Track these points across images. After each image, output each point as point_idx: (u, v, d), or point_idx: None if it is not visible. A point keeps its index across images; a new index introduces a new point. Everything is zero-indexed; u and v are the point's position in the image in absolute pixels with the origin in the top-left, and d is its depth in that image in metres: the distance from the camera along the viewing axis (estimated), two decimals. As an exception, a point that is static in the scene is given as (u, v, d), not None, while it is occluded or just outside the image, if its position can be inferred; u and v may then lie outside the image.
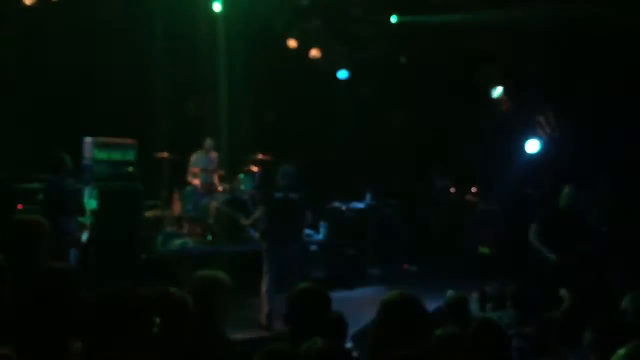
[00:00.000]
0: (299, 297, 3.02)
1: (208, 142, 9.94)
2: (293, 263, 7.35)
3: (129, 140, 8.26)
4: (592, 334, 3.32)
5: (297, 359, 2.65)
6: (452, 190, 11.96)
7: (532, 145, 10.84)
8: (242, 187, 9.95)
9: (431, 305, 3.70)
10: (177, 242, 8.83)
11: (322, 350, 2.56)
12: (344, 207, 10.61)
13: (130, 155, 8.18)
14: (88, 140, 8.08)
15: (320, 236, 10.39)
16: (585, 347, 3.34)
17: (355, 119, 11.78)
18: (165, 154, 9.35)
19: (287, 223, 7.35)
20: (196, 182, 9.79)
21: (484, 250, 11.24)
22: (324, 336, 2.78)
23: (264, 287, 7.18)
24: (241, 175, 10.02)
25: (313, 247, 10.03)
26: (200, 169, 9.84)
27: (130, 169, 8.11)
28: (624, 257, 8.33)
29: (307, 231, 10.42)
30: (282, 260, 7.26)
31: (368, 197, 10.91)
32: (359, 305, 8.43)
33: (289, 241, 7.36)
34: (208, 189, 9.77)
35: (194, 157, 9.92)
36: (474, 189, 11.87)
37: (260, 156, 9.99)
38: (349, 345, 4.45)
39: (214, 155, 10.05)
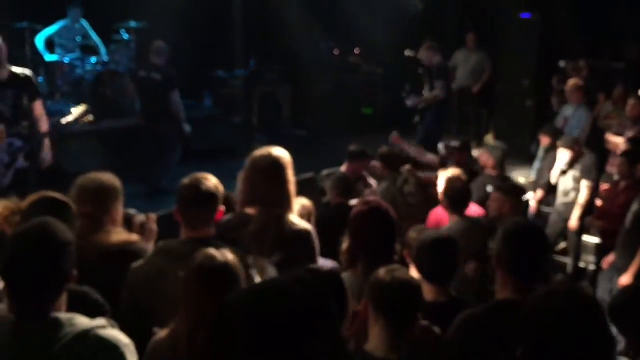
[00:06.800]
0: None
1: (74, 10, 9.05)
2: (164, 140, 7.51)
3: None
4: None
5: None
6: (336, 52, 11.90)
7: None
8: (118, 57, 9.30)
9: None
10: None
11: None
12: (227, 75, 10.32)
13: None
14: None
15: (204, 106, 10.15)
16: None
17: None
18: None
19: (151, 102, 7.43)
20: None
21: (368, 111, 11.47)
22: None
23: None
24: (113, 46, 9.33)
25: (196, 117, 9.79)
26: (65, 40, 9.04)
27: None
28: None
29: (191, 103, 10.14)
30: (158, 137, 7.49)
31: (251, 63, 10.65)
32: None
33: (158, 120, 7.43)
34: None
35: (58, 27, 9.06)
36: (357, 50, 11.86)
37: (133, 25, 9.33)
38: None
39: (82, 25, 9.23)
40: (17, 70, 5.42)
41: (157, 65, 7.42)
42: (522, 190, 5.44)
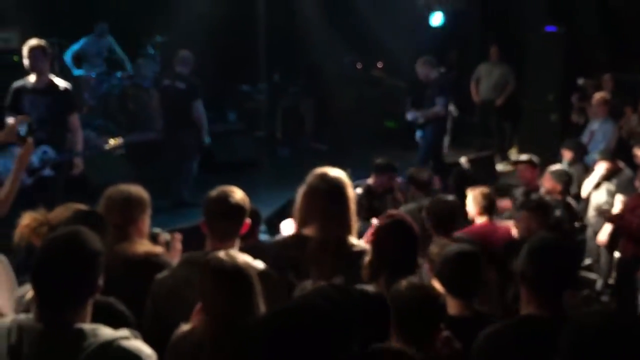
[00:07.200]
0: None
1: (100, 25, 9.22)
2: (184, 149, 7.42)
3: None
4: None
5: None
6: (359, 65, 11.93)
7: (437, 18, 10.84)
8: (144, 72, 9.44)
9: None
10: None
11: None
12: (251, 89, 10.41)
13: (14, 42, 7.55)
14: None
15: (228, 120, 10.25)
16: None
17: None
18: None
19: (174, 111, 7.33)
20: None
21: (391, 124, 11.45)
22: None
23: None
24: (139, 60, 9.46)
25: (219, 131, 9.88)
26: (92, 55, 9.20)
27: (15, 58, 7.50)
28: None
29: (215, 116, 10.24)
30: (179, 147, 7.40)
31: (275, 77, 10.73)
32: (270, 186, 8.55)
33: (179, 129, 7.33)
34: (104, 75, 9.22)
35: (85, 42, 9.23)
36: (379, 64, 11.88)
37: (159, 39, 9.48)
38: (262, 228, 4.50)
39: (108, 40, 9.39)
40: (57, 80, 5.56)
41: (181, 74, 7.39)
42: (549, 205, 5.28)
